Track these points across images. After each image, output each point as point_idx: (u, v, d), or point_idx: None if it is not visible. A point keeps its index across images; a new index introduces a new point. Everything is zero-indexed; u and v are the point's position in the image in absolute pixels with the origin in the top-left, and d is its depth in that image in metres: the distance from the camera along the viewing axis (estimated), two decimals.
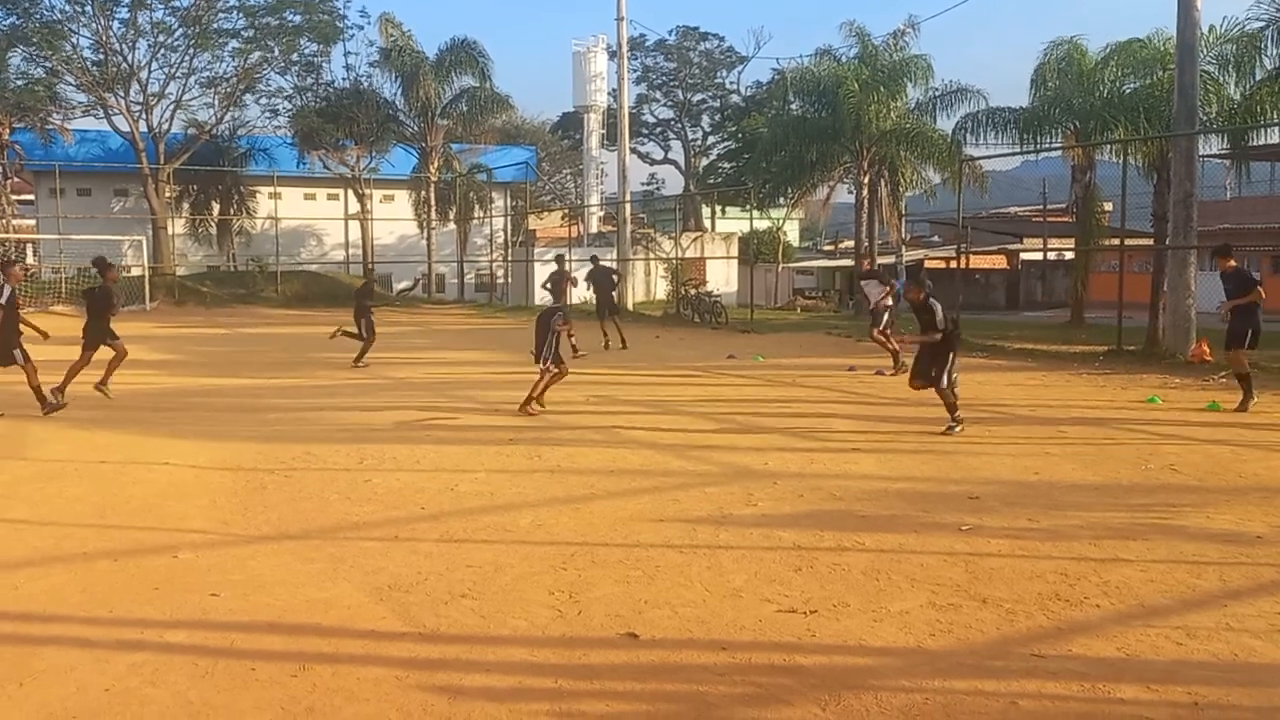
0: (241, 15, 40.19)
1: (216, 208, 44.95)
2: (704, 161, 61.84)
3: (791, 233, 53.54)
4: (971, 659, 4.49)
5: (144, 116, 40.72)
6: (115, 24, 39.39)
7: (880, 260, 34.67)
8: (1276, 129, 24.09)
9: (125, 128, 40.32)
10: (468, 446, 9.75)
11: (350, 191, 45.68)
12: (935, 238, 51.80)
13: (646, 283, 41.09)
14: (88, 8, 38.58)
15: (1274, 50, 22.18)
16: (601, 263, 21.53)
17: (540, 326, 11.92)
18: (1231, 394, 12.49)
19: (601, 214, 51.17)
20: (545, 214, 56.98)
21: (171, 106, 41.50)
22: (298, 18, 40.68)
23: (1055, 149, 29.05)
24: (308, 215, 47.61)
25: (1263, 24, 21.60)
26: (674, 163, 63.72)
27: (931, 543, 6.23)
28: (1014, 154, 31.88)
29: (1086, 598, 5.23)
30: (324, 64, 43.93)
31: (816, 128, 33.10)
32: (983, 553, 6.03)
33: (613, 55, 41.77)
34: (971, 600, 5.21)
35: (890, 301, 16.01)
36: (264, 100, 44.40)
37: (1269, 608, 5.07)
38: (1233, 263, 12.35)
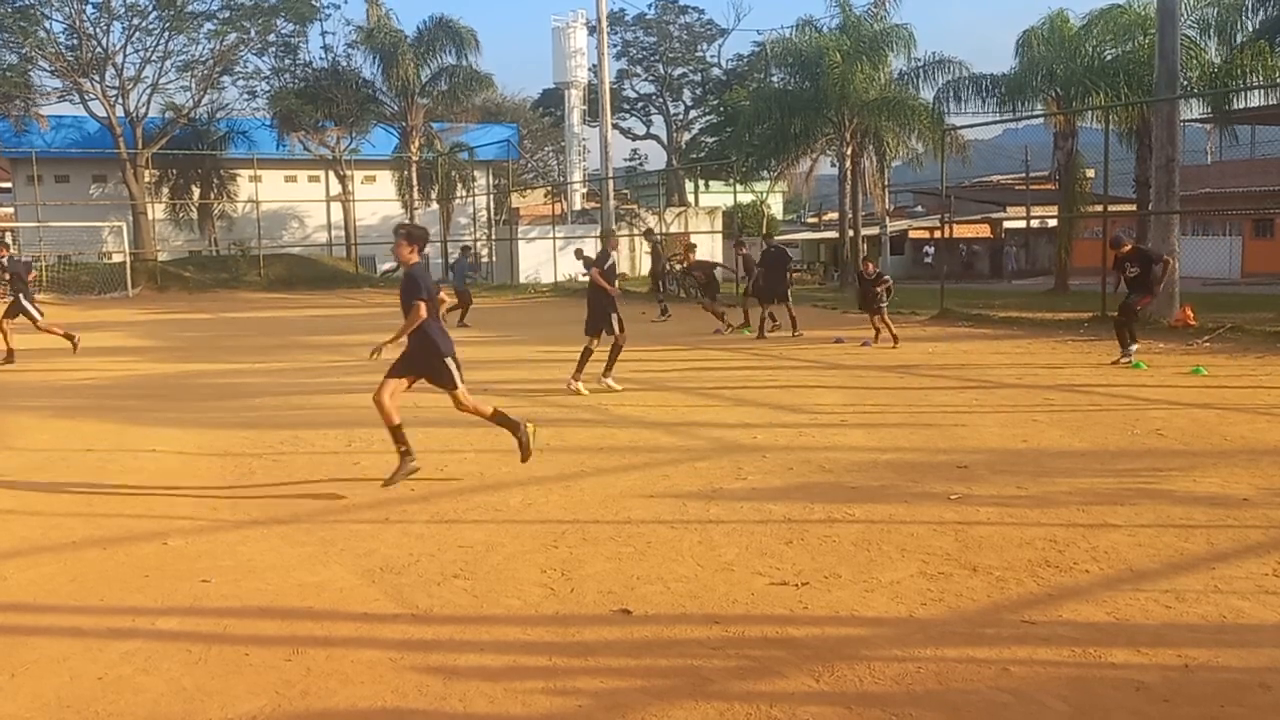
0: None
1: (196, 192, 44.60)
2: (686, 136, 61.62)
3: (775, 206, 53.46)
4: (963, 627, 4.51)
5: (120, 101, 40.30)
6: (89, 7, 38.95)
7: (866, 232, 34.58)
8: (1257, 92, 24.12)
9: (102, 113, 39.91)
10: (456, 427, 9.71)
11: (331, 173, 45.36)
12: (919, 208, 51.80)
13: (631, 259, 41.03)
14: None
15: (1256, 13, 22.18)
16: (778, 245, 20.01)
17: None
18: (1215, 358, 12.61)
19: (585, 191, 50.96)
20: (528, 192, 56.72)
21: (148, 90, 41.13)
22: None
23: (1037, 116, 29.09)
24: (289, 198, 47.28)
25: None
26: (656, 138, 63.49)
27: (921, 512, 6.25)
28: (997, 122, 31.96)
29: (1076, 563, 5.26)
30: (301, 44, 43.58)
31: (799, 99, 32.99)
32: (972, 521, 6.05)
33: (592, 30, 41.48)
34: (962, 569, 5.23)
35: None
36: (241, 82, 44.09)
37: (1256, 569, 5.11)
38: (1129, 246, 13.31)
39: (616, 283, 11.83)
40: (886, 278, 16.52)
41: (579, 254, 25.06)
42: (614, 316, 11.42)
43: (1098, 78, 25.66)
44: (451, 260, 17.97)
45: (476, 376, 13.33)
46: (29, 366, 15.67)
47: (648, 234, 25.57)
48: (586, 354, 11.63)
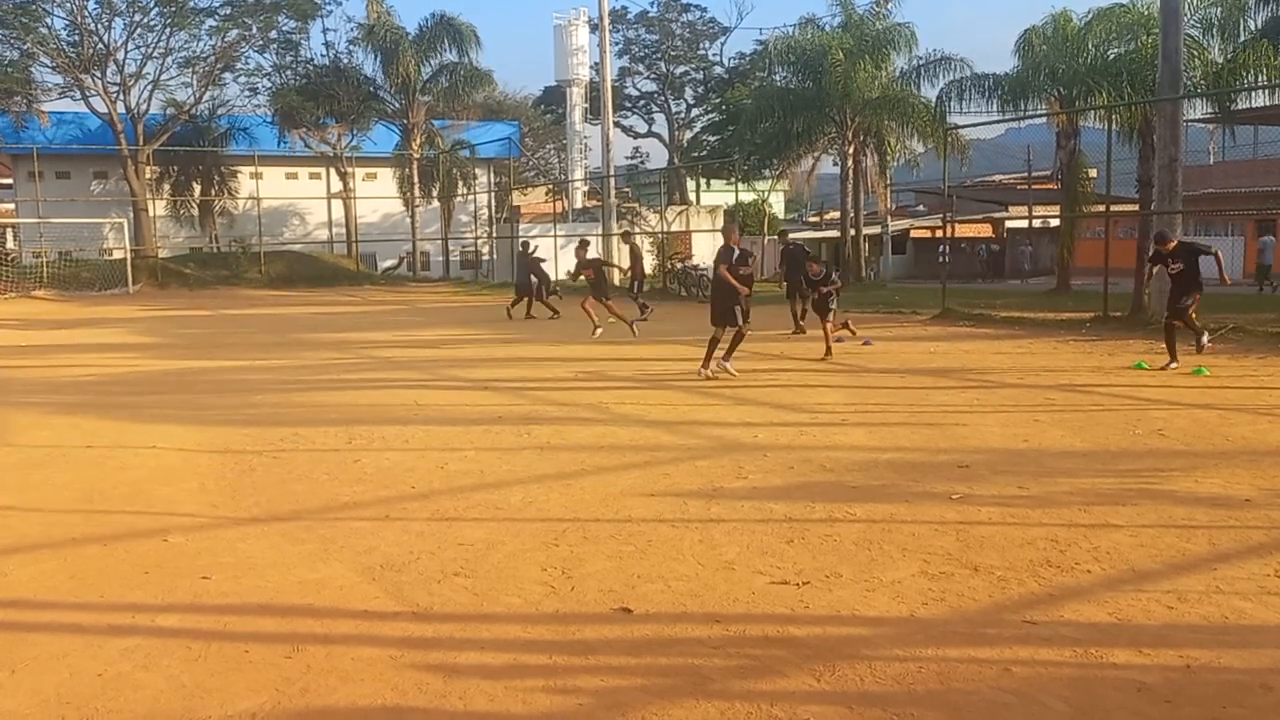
0: None
1: (197, 188, 44.60)
2: (688, 134, 61.58)
3: (776, 205, 53.43)
4: (964, 627, 4.50)
5: (122, 97, 40.31)
6: (90, 3, 38.95)
7: (867, 231, 34.53)
8: (1261, 92, 24.09)
9: (103, 109, 39.92)
10: (456, 425, 9.72)
11: (332, 170, 45.36)
12: (920, 207, 51.75)
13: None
14: None
15: (1259, 11, 22.12)
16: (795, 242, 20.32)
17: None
18: (1217, 358, 12.60)
19: (586, 189, 50.96)
20: (529, 190, 56.72)
21: (149, 87, 41.15)
22: None
23: (1039, 115, 29.05)
24: (290, 195, 47.27)
25: None
26: (658, 136, 63.44)
27: (922, 512, 6.24)
28: (999, 121, 31.91)
29: (1077, 564, 5.25)
30: (302, 41, 43.62)
31: (801, 98, 32.98)
32: (974, 521, 6.04)
33: (594, 28, 41.50)
34: (963, 568, 5.22)
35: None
36: (243, 79, 44.15)
37: (1258, 570, 5.10)
38: (1174, 243, 12.82)
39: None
40: (835, 279, 15.32)
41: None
42: (737, 309, 12.13)
43: (1100, 77, 25.62)
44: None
45: (476, 375, 13.35)
46: (29, 363, 15.69)
47: (625, 236, 26.40)
48: (714, 343, 12.33)
